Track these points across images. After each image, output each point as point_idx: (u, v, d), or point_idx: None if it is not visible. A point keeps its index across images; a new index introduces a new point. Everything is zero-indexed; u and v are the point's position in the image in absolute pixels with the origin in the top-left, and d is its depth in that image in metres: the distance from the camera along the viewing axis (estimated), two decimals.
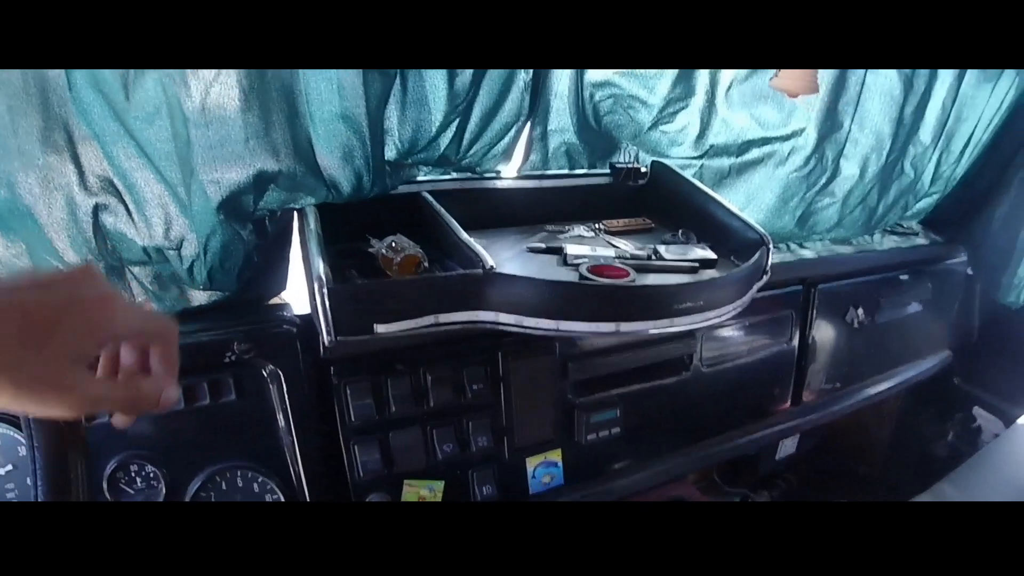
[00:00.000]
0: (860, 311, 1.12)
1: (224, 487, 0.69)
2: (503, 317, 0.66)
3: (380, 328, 0.63)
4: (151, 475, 0.67)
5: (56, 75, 0.58)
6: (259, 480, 0.70)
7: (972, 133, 1.19)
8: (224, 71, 0.61)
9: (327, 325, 0.61)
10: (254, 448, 0.70)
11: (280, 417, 0.70)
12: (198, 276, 0.70)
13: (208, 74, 0.61)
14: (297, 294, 0.78)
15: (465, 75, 0.73)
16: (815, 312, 1.06)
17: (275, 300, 0.79)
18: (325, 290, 0.60)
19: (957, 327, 1.38)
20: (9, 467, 0.65)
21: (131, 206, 0.66)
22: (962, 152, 1.22)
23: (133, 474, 0.66)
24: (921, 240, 1.29)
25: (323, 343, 0.62)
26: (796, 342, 1.05)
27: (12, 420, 0.63)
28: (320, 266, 0.62)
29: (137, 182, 0.64)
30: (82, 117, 0.60)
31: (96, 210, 0.65)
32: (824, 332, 1.10)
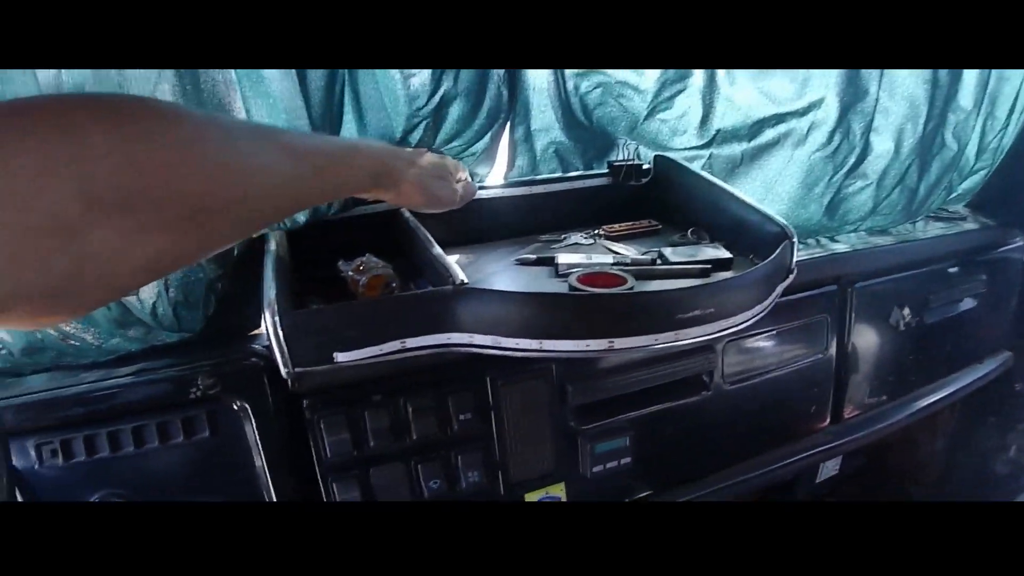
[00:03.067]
0: (905, 311, 1.03)
1: None
2: (478, 339, 0.60)
3: (340, 356, 0.58)
4: None
5: None
6: None
7: (1018, 94, 1.08)
8: (158, 91, 0.60)
9: (283, 356, 0.57)
10: (230, 486, 0.68)
11: (255, 454, 0.67)
12: (164, 317, 0.68)
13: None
14: None
15: (423, 73, 0.68)
16: (853, 315, 0.97)
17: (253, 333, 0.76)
18: (277, 318, 0.56)
19: (1017, 323, 1.25)
20: None
21: None
22: (1008, 117, 1.11)
23: None
24: (971, 225, 1.18)
25: (283, 376, 0.58)
26: (833, 350, 0.96)
27: None
28: (272, 291, 0.58)
29: None
30: None
31: None
32: (865, 337, 1.00)
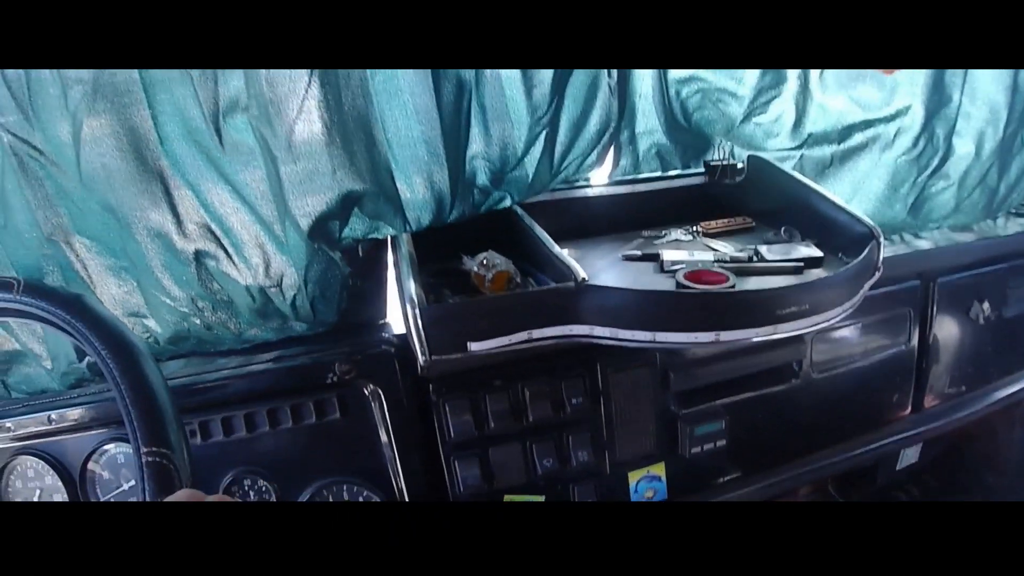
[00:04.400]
0: (986, 305, 1.07)
1: (330, 500, 0.76)
2: (598, 330, 0.68)
3: (473, 346, 0.66)
4: (263, 488, 0.74)
5: (147, 129, 0.65)
6: (363, 495, 0.76)
7: None
8: (305, 106, 0.67)
9: (421, 345, 0.65)
10: (358, 464, 0.76)
11: (382, 434, 0.75)
12: (301, 309, 0.76)
13: (291, 111, 0.67)
14: (397, 316, 0.83)
15: (545, 84, 0.76)
16: (935, 308, 1.02)
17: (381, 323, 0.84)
18: (418, 311, 0.64)
19: None
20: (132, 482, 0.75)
21: (230, 249, 0.72)
22: None
23: (247, 487, 0.74)
24: None
25: (419, 362, 0.66)
26: (915, 342, 1.02)
27: None
28: (412, 287, 0.66)
29: (234, 226, 0.71)
30: (176, 169, 0.67)
31: (197, 255, 0.72)
32: (946, 330, 1.05)
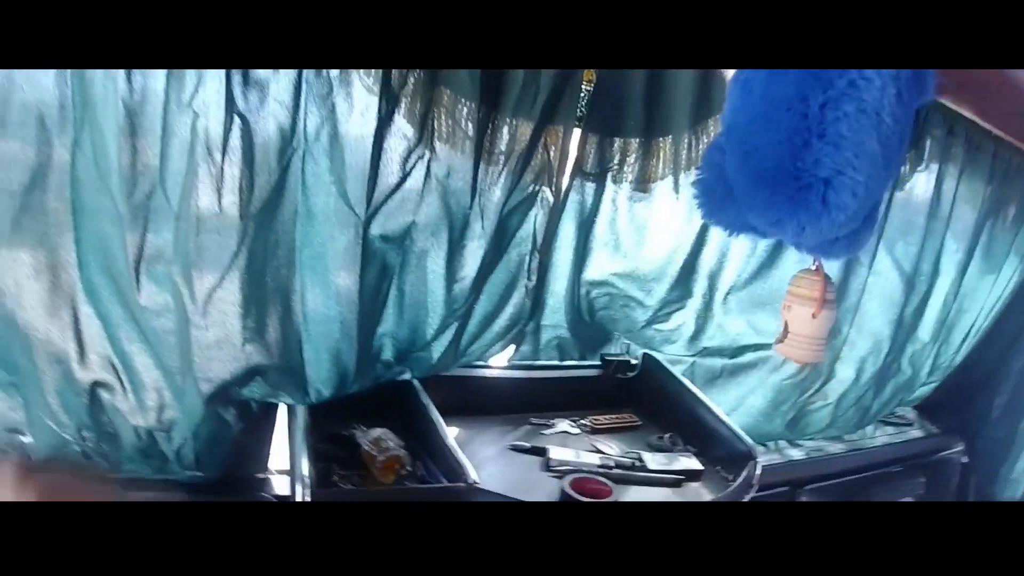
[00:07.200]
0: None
1: None
2: None
3: None
4: None
5: (67, 257, 0.66)
6: None
7: (973, 323, 1.29)
8: (229, 276, 0.70)
9: None
10: None
11: None
12: (184, 458, 0.76)
13: (214, 278, 0.69)
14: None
15: (465, 281, 0.82)
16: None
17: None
18: (308, 492, 0.67)
19: None
20: None
21: (127, 385, 0.72)
22: (962, 342, 1.31)
23: None
24: (916, 432, 1.35)
25: None
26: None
27: None
28: (304, 465, 0.69)
29: (136, 365, 0.72)
30: (90, 298, 0.68)
31: (93, 385, 0.72)
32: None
